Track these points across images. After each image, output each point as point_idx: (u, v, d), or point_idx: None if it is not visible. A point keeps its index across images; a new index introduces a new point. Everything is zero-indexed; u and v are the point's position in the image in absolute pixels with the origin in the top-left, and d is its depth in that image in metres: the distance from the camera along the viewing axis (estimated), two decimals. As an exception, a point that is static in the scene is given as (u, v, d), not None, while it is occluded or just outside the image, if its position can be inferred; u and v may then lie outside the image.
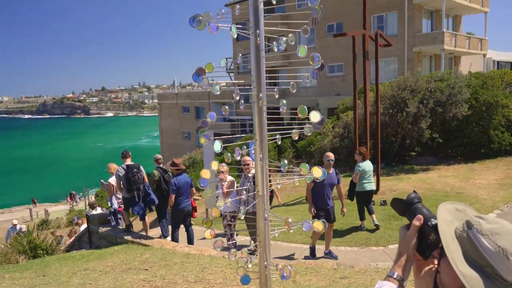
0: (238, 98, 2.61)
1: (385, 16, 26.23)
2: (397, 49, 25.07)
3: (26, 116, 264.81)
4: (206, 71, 2.50)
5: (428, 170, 13.94)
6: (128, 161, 8.32)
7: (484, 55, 28.78)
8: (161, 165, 8.84)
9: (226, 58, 37.99)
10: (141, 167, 8.38)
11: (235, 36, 2.38)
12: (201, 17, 2.29)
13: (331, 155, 6.94)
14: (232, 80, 38.64)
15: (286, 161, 2.68)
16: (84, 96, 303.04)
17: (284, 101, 2.89)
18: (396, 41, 24.58)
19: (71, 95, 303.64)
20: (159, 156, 8.99)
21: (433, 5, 25.41)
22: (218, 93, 2.41)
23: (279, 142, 2.96)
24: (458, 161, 14.84)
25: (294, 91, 2.84)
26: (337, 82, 28.92)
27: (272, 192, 7.57)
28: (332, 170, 6.90)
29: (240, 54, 2.94)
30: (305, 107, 2.74)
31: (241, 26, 2.70)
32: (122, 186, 8.21)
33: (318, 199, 6.83)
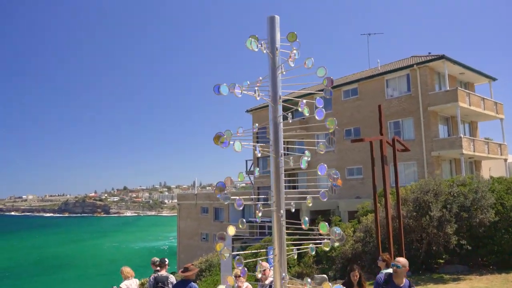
0: (241, 208, 2.74)
1: (401, 122, 27.01)
2: (415, 153, 25.30)
3: (47, 215, 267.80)
4: (239, 179, 2.68)
5: (459, 280, 13.02)
6: (162, 271, 8.10)
7: (505, 160, 28.66)
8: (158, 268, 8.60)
9: (246, 160, 38.89)
10: (170, 279, 8.02)
11: (239, 150, 2.58)
12: (223, 135, 2.52)
13: (401, 261, 5.30)
14: (252, 182, 39.08)
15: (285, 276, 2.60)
16: (106, 195, 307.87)
17: (282, 211, 2.92)
18: (414, 146, 24.92)
19: (93, 194, 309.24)
20: (156, 259, 8.69)
21: (448, 112, 26.20)
22: (227, 203, 2.56)
23: (313, 253, 2.93)
24: (490, 270, 13.88)
25: (325, 199, 2.90)
26: (356, 185, 28.83)
27: None
28: (404, 281, 5.33)
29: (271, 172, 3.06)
30: (306, 218, 2.79)
31: (263, 129, 2.87)
32: None
33: None
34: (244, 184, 42.57)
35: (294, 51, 2.62)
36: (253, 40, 2.44)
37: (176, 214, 49.45)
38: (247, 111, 37.90)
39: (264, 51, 2.55)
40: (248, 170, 38.61)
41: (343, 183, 29.85)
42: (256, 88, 2.55)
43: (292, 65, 2.66)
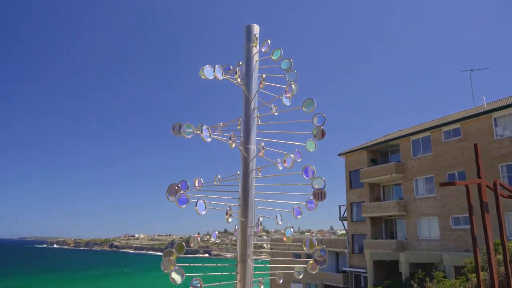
0: (183, 206, 2.30)
1: (516, 165, 23.69)
2: (536, 201, 21.77)
3: (158, 253, 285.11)
4: (194, 245, 2.26)
5: None
6: None
7: None
8: None
9: (339, 206, 37.34)
10: None
11: (203, 212, 2.19)
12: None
13: None
14: (345, 228, 37.16)
15: None
16: (208, 236, 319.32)
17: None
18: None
19: (197, 235, 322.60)
20: None
21: None
22: (183, 206, 2.18)
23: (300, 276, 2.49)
24: None
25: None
26: (464, 236, 25.58)
27: None
28: None
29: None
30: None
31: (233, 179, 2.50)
32: None
33: None
34: (344, 231, 40.76)
35: (292, 86, 1.96)
36: (217, 67, 1.90)
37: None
38: (340, 154, 36.83)
39: (239, 80, 1.93)
40: (341, 216, 36.92)
41: (448, 233, 26.87)
42: (232, 133, 2.00)
43: (288, 103, 2.05)
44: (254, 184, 2.18)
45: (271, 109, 2.18)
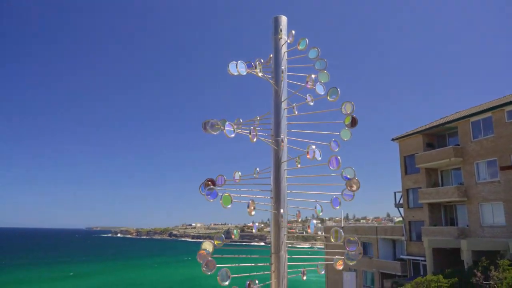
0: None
1: None
2: None
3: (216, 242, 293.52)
4: (234, 236, 2.31)
5: None
6: None
7: None
8: None
9: (395, 192, 36.23)
10: None
11: (227, 206, 2.17)
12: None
13: None
14: (402, 214, 36.04)
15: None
16: (262, 225, 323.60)
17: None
18: None
19: (251, 224, 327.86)
20: None
21: None
22: (212, 200, 2.19)
23: (322, 272, 2.48)
24: None
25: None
26: (533, 222, 23.95)
27: None
28: None
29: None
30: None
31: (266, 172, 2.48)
32: None
33: None
34: (401, 219, 39.84)
35: (312, 76, 1.95)
36: (240, 62, 1.88)
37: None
38: (393, 139, 35.62)
39: (259, 74, 1.94)
40: (397, 203, 35.83)
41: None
42: (252, 127, 2.00)
43: (322, 92, 2.03)
44: (285, 176, 2.19)
45: (306, 99, 2.17)
